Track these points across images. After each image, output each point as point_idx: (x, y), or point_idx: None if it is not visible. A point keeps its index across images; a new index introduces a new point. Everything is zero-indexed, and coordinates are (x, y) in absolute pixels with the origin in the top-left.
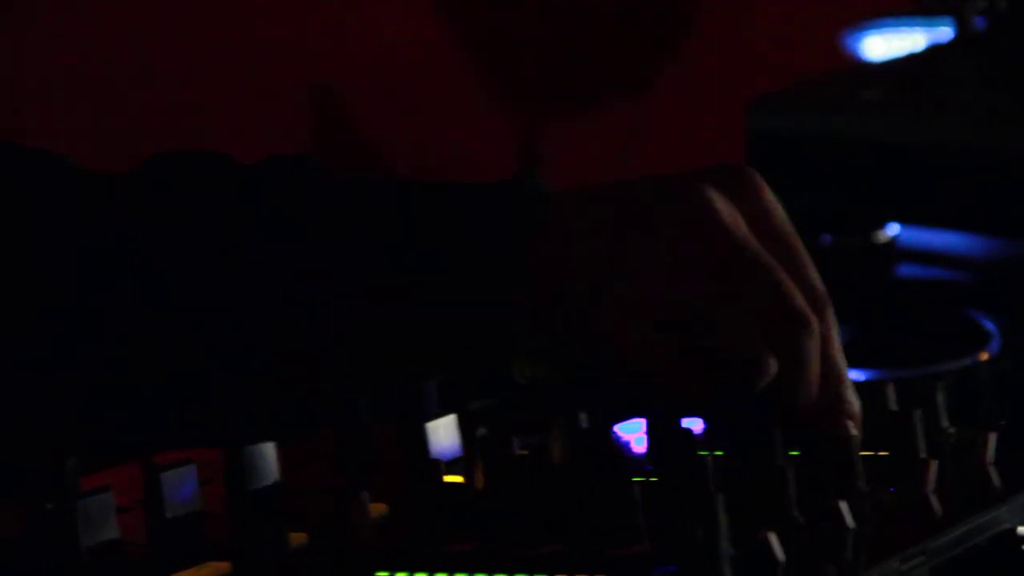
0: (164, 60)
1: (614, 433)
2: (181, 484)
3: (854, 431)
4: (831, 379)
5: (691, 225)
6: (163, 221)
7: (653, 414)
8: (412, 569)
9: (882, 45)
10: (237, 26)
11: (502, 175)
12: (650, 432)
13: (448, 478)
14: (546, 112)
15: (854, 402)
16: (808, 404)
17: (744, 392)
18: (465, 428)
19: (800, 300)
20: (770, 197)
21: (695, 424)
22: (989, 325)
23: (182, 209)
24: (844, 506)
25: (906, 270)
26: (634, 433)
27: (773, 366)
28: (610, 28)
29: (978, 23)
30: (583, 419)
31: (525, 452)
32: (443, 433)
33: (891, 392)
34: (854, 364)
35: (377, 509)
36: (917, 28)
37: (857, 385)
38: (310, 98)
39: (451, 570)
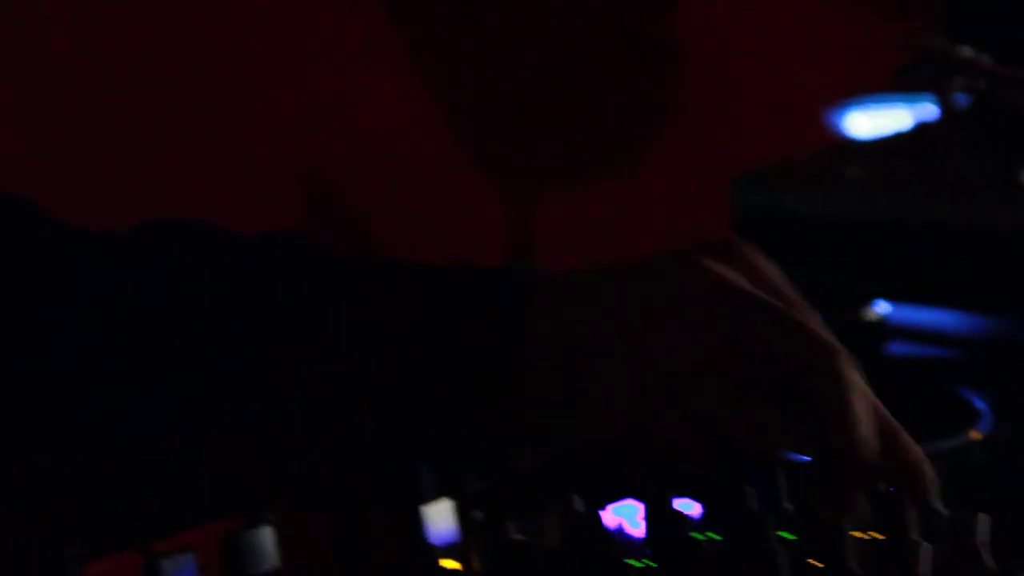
0: (160, 128)
1: (609, 516)
2: (179, 571)
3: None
4: (879, 418)
5: (696, 291)
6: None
7: (648, 495)
8: None
9: (866, 122)
10: (229, 102)
11: (491, 259)
12: (645, 514)
13: (444, 563)
14: (535, 196)
15: (916, 450)
16: (868, 445)
17: (759, 460)
18: (461, 512)
19: (824, 333)
20: (763, 261)
21: (691, 507)
22: (980, 404)
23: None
24: None
25: (896, 348)
26: (629, 515)
27: (778, 428)
28: (597, 111)
29: (960, 100)
30: (577, 502)
31: (520, 536)
32: (439, 517)
33: None
34: None
35: None
36: (900, 105)
37: None
38: (302, 177)
39: None
